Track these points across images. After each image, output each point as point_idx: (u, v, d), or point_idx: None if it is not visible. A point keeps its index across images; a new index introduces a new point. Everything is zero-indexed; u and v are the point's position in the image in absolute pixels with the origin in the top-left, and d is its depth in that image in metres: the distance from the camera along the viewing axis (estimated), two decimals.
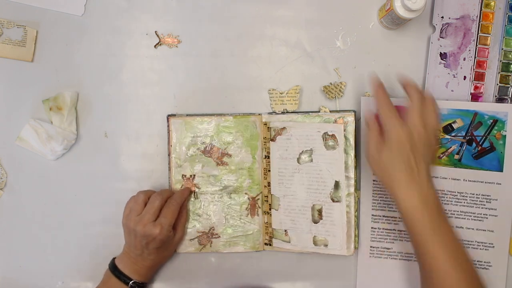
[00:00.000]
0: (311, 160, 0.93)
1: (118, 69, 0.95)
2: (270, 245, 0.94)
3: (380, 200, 0.93)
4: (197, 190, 0.94)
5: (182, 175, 0.94)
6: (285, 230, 0.94)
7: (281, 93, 0.94)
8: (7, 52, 0.93)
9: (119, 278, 0.87)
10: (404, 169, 0.77)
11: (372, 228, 0.94)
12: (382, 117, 0.81)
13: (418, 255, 0.79)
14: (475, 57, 0.93)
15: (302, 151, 0.93)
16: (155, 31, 0.95)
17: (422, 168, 0.78)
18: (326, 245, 0.92)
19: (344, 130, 0.92)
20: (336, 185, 0.92)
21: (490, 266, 0.92)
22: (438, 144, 0.83)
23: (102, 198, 0.95)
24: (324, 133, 0.92)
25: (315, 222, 0.93)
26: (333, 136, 0.92)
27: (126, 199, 0.92)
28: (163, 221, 0.85)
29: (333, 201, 0.92)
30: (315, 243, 0.93)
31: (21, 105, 0.94)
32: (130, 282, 0.87)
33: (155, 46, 0.95)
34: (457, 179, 0.92)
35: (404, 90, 0.83)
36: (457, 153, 0.92)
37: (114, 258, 0.91)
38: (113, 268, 0.88)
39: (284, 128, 0.93)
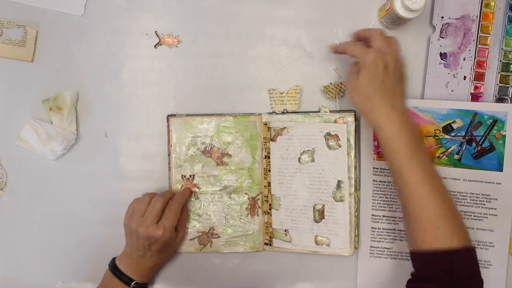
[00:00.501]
0: (313, 160, 0.93)
1: (118, 69, 0.95)
2: (270, 245, 0.94)
3: (380, 200, 0.93)
4: (197, 190, 0.94)
5: (182, 175, 0.94)
6: (286, 230, 0.94)
7: (281, 93, 0.94)
8: (7, 52, 0.93)
9: (121, 279, 0.87)
10: (381, 92, 0.79)
11: (372, 228, 0.94)
12: (353, 52, 0.84)
13: (397, 183, 0.79)
14: (475, 57, 0.93)
15: (304, 151, 0.93)
16: (155, 31, 0.95)
17: (398, 93, 0.80)
18: (328, 245, 0.93)
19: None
20: (339, 184, 0.92)
21: (490, 265, 0.92)
22: (406, 77, 0.84)
23: (102, 198, 0.95)
24: (327, 133, 0.92)
25: (317, 221, 0.93)
26: (335, 136, 0.92)
27: (126, 199, 0.92)
28: (165, 223, 0.85)
29: (336, 200, 0.92)
30: (316, 242, 0.93)
31: (21, 105, 0.94)
32: (132, 283, 0.87)
33: (155, 46, 0.95)
34: (457, 179, 0.92)
35: (364, 35, 0.86)
36: (457, 153, 0.92)
37: (114, 258, 0.91)
38: (114, 269, 0.88)
39: (284, 128, 0.93)
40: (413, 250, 0.78)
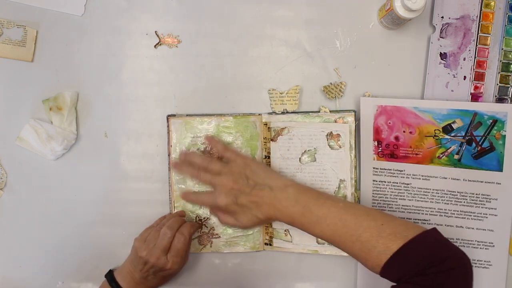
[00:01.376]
0: (314, 160, 0.93)
1: (118, 69, 0.95)
2: (271, 245, 0.94)
3: (380, 200, 0.93)
4: (196, 189, 0.94)
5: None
6: (286, 230, 0.94)
7: (281, 93, 0.94)
8: (7, 52, 0.93)
9: None
10: (253, 210, 0.83)
11: None
12: (206, 205, 0.93)
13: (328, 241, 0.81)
14: (475, 57, 0.93)
15: (305, 151, 0.93)
16: (155, 31, 0.95)
17: (259, 191, 0.82)
18: (329, 244, 0.93)
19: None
20: (341, 184, 0.92)
21: (490, 265, 0.92)
22: (251, 163, 0.87)
23: (102, 198, 0.95)
24: (328, 132, 0.92)
25: None
26: (336, 136, 0.92)
27: (126, 199, 0.93)
28: (174, 259, 0.85)
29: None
30: (318, 241, 0.93)
31: (21, 105, 0.94)
32: None
33: (155, 46, 0.95)
34: (457, 179, 0.92)
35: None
36: (457, 153, 0.92)
37: (111, 271, 0.91)
38: (116, 286, 0.88)
39: (284, 128, 0.93)
40: (377, 274, 0.77)
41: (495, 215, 0.92)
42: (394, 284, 0.74)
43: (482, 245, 0.92)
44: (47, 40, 0.94)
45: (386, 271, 0.74)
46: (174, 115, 0.94)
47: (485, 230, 0.92)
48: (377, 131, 0.93)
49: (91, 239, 0.95)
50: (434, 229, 0.75)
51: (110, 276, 0.89)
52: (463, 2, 0.93)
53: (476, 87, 0.94)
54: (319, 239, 0.93)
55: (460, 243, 0.92)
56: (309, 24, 0.95)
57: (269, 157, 0.94)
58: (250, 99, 0.95)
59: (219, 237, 0.95)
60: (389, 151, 0.93)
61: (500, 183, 0.92)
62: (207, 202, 0.87)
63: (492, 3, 0.93)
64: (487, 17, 0.93)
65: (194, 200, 0.91)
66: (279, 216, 0.82)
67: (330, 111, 0.94)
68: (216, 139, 0.92)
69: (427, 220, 0.92)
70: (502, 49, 0.93)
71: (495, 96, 0.94)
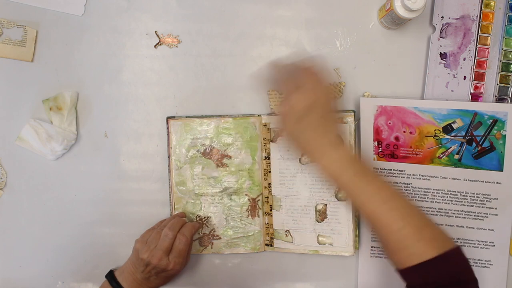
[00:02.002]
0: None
1: (118, 69, 0.95)
2: (271, 245, 0.94)
3: None
4: (197, 191, 0.94)
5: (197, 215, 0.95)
6: (287, 231, 0.94)
7: (280, 94, 0.94)
8: (7, 52, 0.93)
9: None
10: (303, 139, 0.78)
11: (372, 228, 0.93)
12: (283, 84, 0.83)
13: (360, 214, 0.81)
14: (475, 57, 0.93)
15: None
16: (155, 31, 0.95)
17: (331, 127, 0.79)
18: (331, 244, 0.92)
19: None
20: None
21: (490, 264, 0.92)
22: (332, 101, 0.82)
23: (102, 198, 0.95)
24: None
25: (319, 221, 0.93)
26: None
27: (126, 199, 0.93)
28: (176, 260, 0.85)
29: (338, 200, 0.92)
30: (319, 242, 0.93)
31: (21, 105, 0.94)
32: None
33: (155, 46, 0.95)
34: (457, 179, 0.92)
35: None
36: (457, 153, 0.92)
37: (111, 271, 0.91)
38: (117, 285, 0.88)
39: None
40: (396, 269, 0.77)
41: (496, 215, 0.92)
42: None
43: (483, 244, 0.92)
44: (47, 40, 0.94)
45: (409, 273, 0.73)
46: (173, 117, 0.94)
47: (486, 229, 0.92)
48: (377, 131, 0.93)
49: (91, 239, 0.95)
50: (460, 248, 0.74)
51: (111, 276, 0.89)
52: (463, 2, 0.93)
53: (476, 87, 0.94)
54: (320, 239, 0.93)
55: (461, 242, 0.92)
56: (309, 24, 0.95)
57: (269, 158, 0.94)
58: (250, 99, 0.95)
59: (220, 238, 0.95)
60: (389, 151, 0.93)
61: (500, 183, 0.92)
62: (288, 84, 0.81)
63: (492, 3, 0.93)
64: (487, 17, 0.93)
65: (280, 72, 0.85)
66: (324, 164, 0.78)
67: None
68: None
69: None
70: (502, 49, 0.93)
71: (495, 96, 0.94)
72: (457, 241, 0.92)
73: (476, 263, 0.92)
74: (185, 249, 0.86)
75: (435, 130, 0.92)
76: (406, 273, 0.74)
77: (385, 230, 0.75)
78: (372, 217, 0.76)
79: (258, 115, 0.94)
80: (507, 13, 0.93)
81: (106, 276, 0.89)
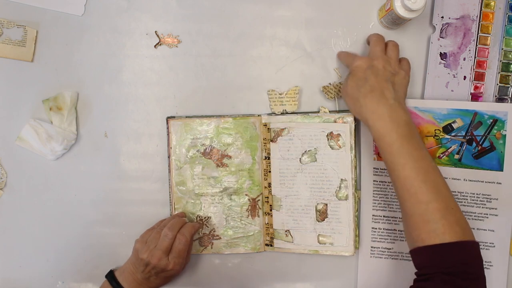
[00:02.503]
0: (315, 160, 0.93)
1: (118, 69, 0.95)
2: (271, 245, 0.94)
3: (381, 200, 0.93)
4: (197, 191, 0.94)
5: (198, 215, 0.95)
6: (287, 231, 0.94)
7: (280, 94, 0.94)
8: (7, 52, 0.93)
9: None
10: (366, 92, 0.82)
11: (372, 228, 0.94)
12: (346, 61, 0.91)
13: (392, 179, 0.80)
14: (475, 57, 0.93)
15: (305, 151, 0.93)
16: (155, 31, 0.95)
17: (389, 91, 0.82)
18: (331, 243, 0.92)
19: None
20: (342, 183, 0.92)
21: (491, 265, 0.92)
22: (407, 75, 0.87)
23: (102, 198, 0.95)
24: (329, 133, 0.92)
25: (320, 220, 0.93)
26: (336, 136, 0.92)
27: (126, 199, 0.93)
28: (176, 260, 0.85)
29: (339, 199, 0.92)
30: (319, 241, 0.93)
31: (21, 105, 0.94)
32: None
33: (155, 46, 0.95)
34: (457, 179, 0.92)
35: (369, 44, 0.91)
36: (457, 153, 0.92)
37: (111, 271, 0.91)
38: (117, 285, 0.88)
39: (284, 128, 0.93)
40: (411, 249, 0.78)
41: (496, 215, 0.92)
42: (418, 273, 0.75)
43: (483, 245, 0.92)
44: (47, 40, 0.94)
45: (424, 252, 0.74)
46: (173, 117, 0.94)
47: (486, 230, 0.92)
48: None
49: (91, 239, 0.95)
50: (477, 243, 0.75)
51: (111, 276, 0.89)
52: (463, 2, 0.93)
53: (476, 87, 0.94)
54: (320, 239, 0.93)
55: None
56: (309, 24, 0.95)
57: (269, 158, 0.94)
58: (250, 99, 0.95)
59: (220, 238, 0.95)
60: None
61: (500, 183, 0.92)
62: (348, 56, 0.90)
63: (492, 3, 0.93)
64: (487, 17, 0.93)
65: (344, 53, 0.93)
66: (375, 120, 0.81)
67: (329, 112, 0.94)
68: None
69: None
70: (502, 49, 0.93)
71: (495, 96, 0.94)
72: None
73: None
74: (184, 249, 0.86)
75: (435, 130, 0.92)
76: (420, 252, 0.74)
77: (414, 199, 0.76)
78: (404, 183, 0.77)
79: (258, 115, 0.94)
80: (507, 13, 0.93)
81: (106, 276, 0.89)
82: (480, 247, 0.91)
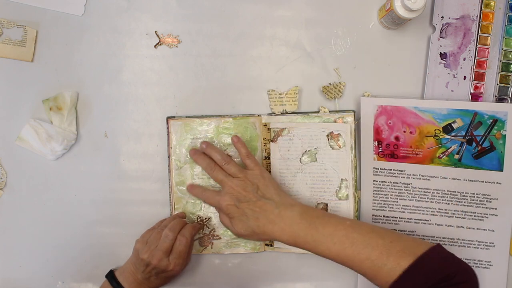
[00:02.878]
0: (315, 160, 0.93)
1: (118, 69, 0.95)
2: (271, 245, 0.94)
3: (381, 201, 0.93)
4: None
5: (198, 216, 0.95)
6: None
7: (280, 94, 0.94)
8: (7, 52, 0.93)
9: None
10: (254, 220, 0.83)
11: None
12: (211, 201, 0.90)
13: (329, 258, 0.81)
14: (475, 57, 0.93)
15: (306, 151, 0.93)
16: (155, 31, 0.95)
17: (268, 204, 0.84)
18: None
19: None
20: (343, 183, 0.92)
21: (490, 265, 0.92)
22: (259, 170, 0.88)
23: (102, 198, 0.95)
24: (329, 132, 0.92)
25: None
26: (336, 135, 0.92)
27: (126, 199, 0.93)
28: (176, 261, 0.85)
29: (339, 199, 0.92)
30: None
31: (21, 105, 0.94)
32: None
33: (155, 46, 0.95)
34: (457, 179, 0.92)
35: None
36: (457, 153, 0.92)
37: (112, 271, 0.90)
38: (117, 285, 0.88)
39: (284, 128, 0.93)
40: None
41: (496, 215, 0.92)
42: None
43: (483, 245, 0.92)
44: (47, 40, 0.94)
45: (396, 287, 0.74)
46: (173, 117, 0.94)
47: (486, 230, 0.92)
48: (377, 131, 0.93)
49: (91, 239, 0.95)
50: (439, 245, 0.76)
51: (111, 276, 0.89)
52: (463, 2, 0.93)
53: (476, 87, 0.94)
54: None
55: (461, 243, 0.92)
56: (309, 24, 0.95)
57: (269, 158, 0.94)
58: (250, 99, 0.95)
59: (220, 238, 0.95)
60: (389, 151, 0.93)
61: (500, 183, 0.92)
62: (211, 199, 0.88)
63: (492, 3, 0.93)
64: (487, 17, 0.93)
65: (198, 194, 0.91)
66: (279, 234, 0.82)
67: (329, 112, 0.94)
68: (242, 142, 0.91)
69: (428, 220, 0.92)
70: (502, 49, 0.94)
71: (495, 96, 0.94)
72: (457, 242, 0.92)
73: (476, 263, 0.92)
74: (185, 250, 0.86)
75: (435, 130, 0.92)
76: None
77: (356, 262, 0.77)
78: (340, 258, 0.79)
79: (258, 115, 0.94)
80: (507, 13, 0.93)
81: (107, 276, 0.89)
82: (480, 247, 0.92)
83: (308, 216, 0.82)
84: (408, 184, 0.93)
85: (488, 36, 0.94)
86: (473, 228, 0.92)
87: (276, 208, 0.83)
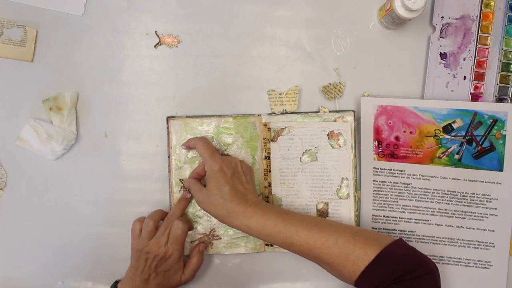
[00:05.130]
0: (316, 159, 0.93)
1: (118, 69, 0.95)
2: (272, 245, 0.94)
3: (381, 200, 0.93)
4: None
5: (180, 179, 0.94)
6: None
7: (280, 94, 0.94)
8: (7, 52, 0.93)
9: None
10: (231, 196, 0.82)
11: (372, 228, 0.94)
12: (202, 153, 0.87)
13: (299, 253, 0.82)
14: (475, 57, 0.93)
15: (306, 150, 0.93)
16: (155, 31, 0.95)
17: (249, 189, 0.85)
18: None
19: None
20: (343, 182, 0.92)
21: (491, 265, 0.92)
22: (238, 161, 0.88)
23: (102, 198, 0.95)
24: (330, 132, 0.92)
25: None
26: (336, 135, 0.92)
27: (126, 199, 0.93)
28: (174, 246, 0.86)
29: (340, 198, 0.92)
30: None
31: (21, 105, 0.94)
32: None
33: (155, 46, 0.95)
34: (457, 179, 0.92)
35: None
36: (457, 153, 0.92)
37: (116, 282, 0.91)
38: None
39: (284, 128, 0.93)
40: (353, 284, 0.78)
41: (496, 215, 0.92)
42: None
43: (483, 245, 0.92)
44: (47, 40, 0.94)
45: (364, 279, 0.75)
46: (173, 117, 0.94)
47: (486, 230, 0.92)
48: (377, 131, 0.93)
49: (91, 239, 0.95)
50: (401, 239, 0.78)
51: (114, 286, 0.89)
52: (463, 2, 0.93)
53: (476, 87, 0.94)
54: None
55: (461, 243, 0.92)
56: (309, 24, 0.95)
57: (269, 158, 0.94)
58: (250, 99, 0.95)
59: (220, 238, 0.95)
60: (389, 151, 0.93)
61: (500, 183, 0.92)
62: (206, 152, 0.86)
63: (492, 3, 0.93)
64: (487, 17, 0.94)
65: (197, 145, 0.89)
66: (249, 216, 0.81)
67: (329, 111, 0.94)
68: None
69: (428, 220, 0.92)
70: (502, 49, 0.94)
71: (495, 96, 0.94)
72: (457, 242, 0.92)
73: (476, 264, 0.92)
74: (182, 236, 0.86)
75: (435, 130, 0.92)
76: (361, 280, 0.76)
77: (323, 249, 0.78)
78: (307, 245, 0.79)
79: (258, 115, 0.94)
80: (507, 13, 0.94)
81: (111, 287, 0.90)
82: (480, 247, 0.92)
83: (280, 208, 0.85)
84: (408, 184, 0.93)
85: (488, 36, 0.94)
86: (473, 228, 0.92)
87: (255, 197, 0.84)
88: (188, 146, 0.91)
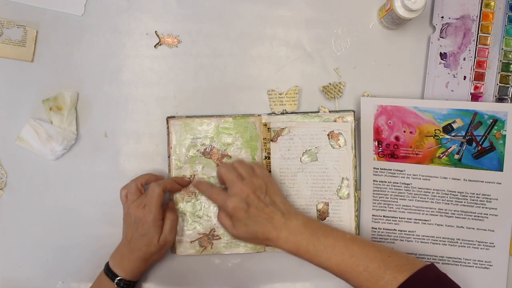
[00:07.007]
0: (316, 159, 0.93)
1: (118, 69, 0.95)
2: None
3: (381, 200, 0.93)
4: (197, 191, 0.94)
5: (183, 175, 0.94)
6: None
7: (280, 94, 0.94)
8: (7, 52, 0.93)
9: (107, 275, 0.87)
10: (257, 226, 0.82)
11: (372, 228, 0.93)
12: (216, 200, 0.87)
13: (327, 269, 0.82)
14: (475, 57, 0.94)
15: (306, 150, 0.93)
16: (155, 31, 0.95)
17: (274, 212, 0.83)
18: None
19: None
20: (343, 182, 0.92)
21: (490, 265, 0.92)
22: (268, 178, 0.88)
23: (102, 198, 0.95)
24: (330, 131, 0.92)
25: (321, 220, 0.93)
26: (336, 135, 0.92)
27: None
28: (148, 208, 0.86)
29: (340, 198, 0.92)
30: None
31: (21, 105, 0.94)
32: (116, 279, 0.87)
33: (155, 46, 0.95)
34: (457, 179, 0.92)
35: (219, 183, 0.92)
36: (457, 153, 0.92)
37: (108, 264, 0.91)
38: (105, 266, 0.88)
39: (284, 128, 0.93)
40: None
41: (496, 215, 0.92)
42: None
43: (483, 245, 0.92)
44: (47, 40, 0.94)
45: None
46: (173, 117, 0.94)
47: (486, 230, 0.92)
48: (377, 131, 0.93)
49: (91, 239, 0.95)
50: (433, 264, 0.77)
51: (106, 265, 0.89)
52: (463, 2, 0.93)
53: (476, 87, 0.94)
54: None
55: (461, 243, 0.92)
56: (309, 24, 0.95)
57: (269, 158, 0.94)
58: (250, 99, 0.95)
59: (220, 238, 0.95)
60: (389, 151, 0.93)
61: (500, 183, 0.92)
62: (216, 196, 0.86)
63: (492, 3, 0.93)
64: (487, 17, 0.94)
65: (204, 191, 0.89)
66: (282, 242, 0.82)
67: (329, 111, 0.94)
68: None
69: (428, 220, 0.92)
70: (502, 49, 0.94)
71: (495, 96, 0.94)
72: (457, 241, 0.92)
73: (476, 264, 0.92)
74: (157, 199, 0.86)
75: (435, 130, 0.92)
76: None
77: (354, 274, 0.78)
78: (339, 269, 0.79)
79: (258, 115, 0.94)
80: (507, 13, 0.94)
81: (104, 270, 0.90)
82: (480, 247, 0.92)
83: (311, 227, 0.82)
84: (408, 184, 0.93)
85: (488, 36, 0.94)
86: (473, 228, 0.92)
87: (282, 217, 0.83)
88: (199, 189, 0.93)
